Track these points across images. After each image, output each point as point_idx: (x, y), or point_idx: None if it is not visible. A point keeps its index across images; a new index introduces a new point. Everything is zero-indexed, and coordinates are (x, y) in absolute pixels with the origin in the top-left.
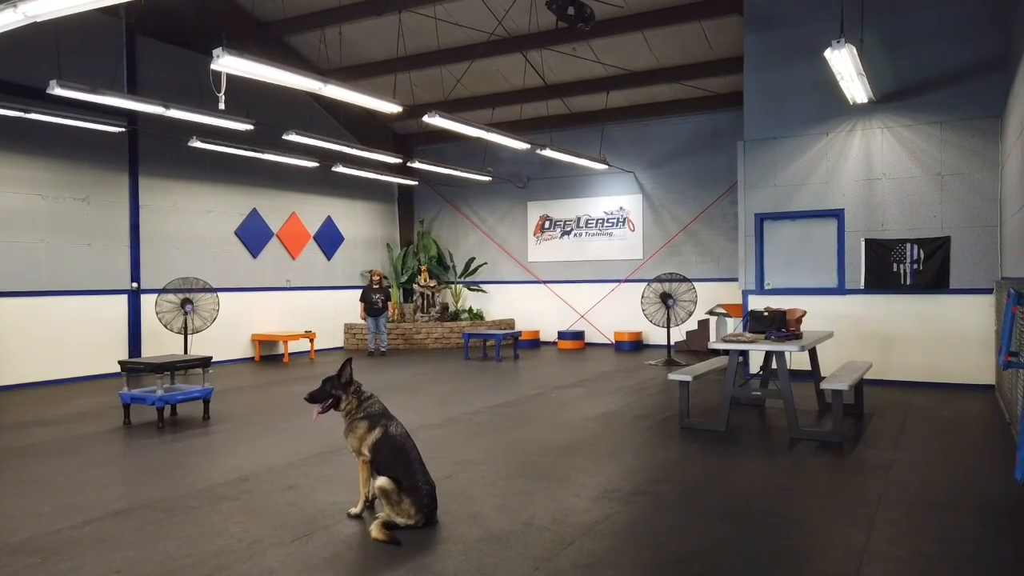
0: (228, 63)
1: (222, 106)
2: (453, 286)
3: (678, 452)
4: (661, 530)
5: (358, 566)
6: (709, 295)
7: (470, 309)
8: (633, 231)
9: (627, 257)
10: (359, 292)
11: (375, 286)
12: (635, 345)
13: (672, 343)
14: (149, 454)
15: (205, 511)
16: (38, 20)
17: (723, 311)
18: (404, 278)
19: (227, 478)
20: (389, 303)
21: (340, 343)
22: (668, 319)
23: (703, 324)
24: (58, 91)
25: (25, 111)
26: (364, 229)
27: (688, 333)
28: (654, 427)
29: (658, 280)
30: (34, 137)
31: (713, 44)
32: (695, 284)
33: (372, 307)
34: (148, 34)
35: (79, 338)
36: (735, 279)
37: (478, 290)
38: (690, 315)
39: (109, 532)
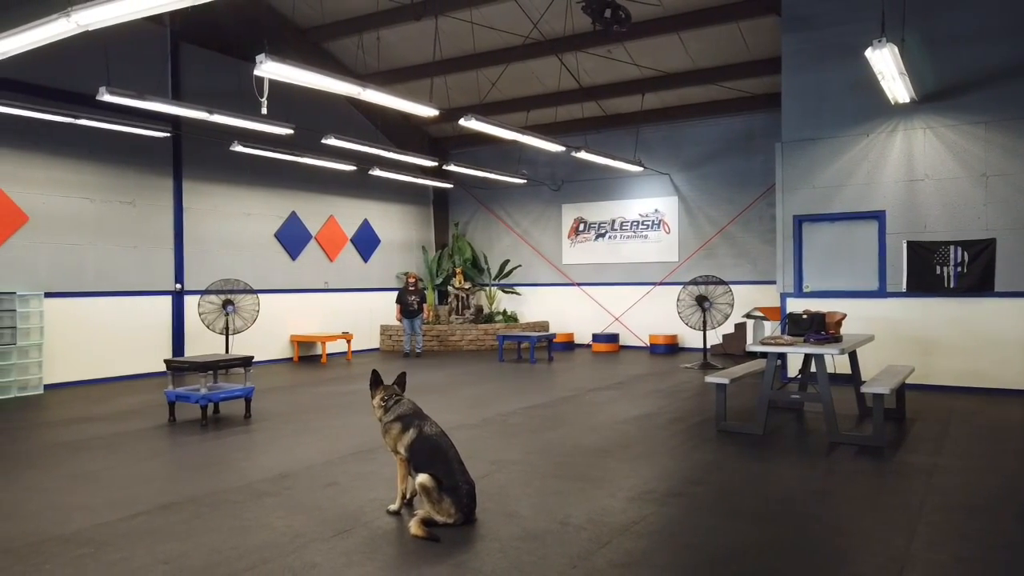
0: (271, 69)
1: (264, 111)
2: (487, 288)
3: (714, 455)
4: (697, 531)
5: (398, 561)
6: (745, 298)
7: (504, 311)
8: (668, 233)
9: (662, 259)
10: (395, 294)
11: (411, 288)
12: (670, 348)
13: (708, 346)
14: (193, 450)
15: (248, 506)
16: (89, 29)
17: (760, 314)
18: (439, 280)
19: (269, 474)
20: (424, 305)
21: (376, 344)
22: (704, 322)
23: (740, 327)
24: (107, 97)
25: (75, 117)
26: (400, 232)
27: (724, 336)
28: (689, 430)
29: (694, 283)
30: (83, 142)
31: (750, 44)
32: (731, 287)
33: (408, 309)
34: (191, 41)
35: (125, 338)
36: (772, 282)
37: (512, 292)
38: (726, 318)
39: (156, 525)
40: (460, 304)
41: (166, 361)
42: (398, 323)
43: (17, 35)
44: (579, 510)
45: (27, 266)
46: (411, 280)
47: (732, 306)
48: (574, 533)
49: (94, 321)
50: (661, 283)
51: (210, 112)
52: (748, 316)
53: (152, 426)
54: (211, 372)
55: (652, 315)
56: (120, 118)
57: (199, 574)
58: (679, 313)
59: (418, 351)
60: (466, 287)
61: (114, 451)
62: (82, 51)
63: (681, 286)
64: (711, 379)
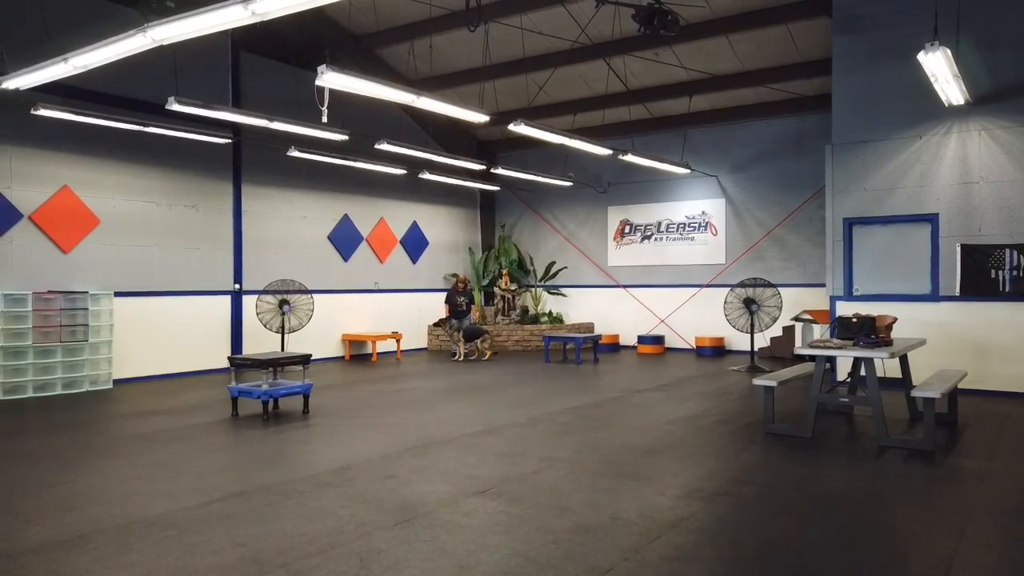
0: (332, 79)
1: (325, 119)
2: (533, 290)
3: (761, 456)
4: (745, 528)
5: (459, 550)
6: (794, 301)
7: (549, 313)
8: (715, 235)
9: (709, 262)
10: (443, 295)
11: (460, 289)
12: (717, 351)
13: (756, 349)
14: (258, 443)
15: (314, 495)
16: (163, 44)
17: (809, 317)
18: (485, 282)
19: (330, 467)
20: (472, 306)
21: (424, 344)
22: (752, 325)
23: (788, 330)
24: (176, 107)
25: (144, 125)
26: (447, 234)
27: (772, 339)
28: (736, 431)
29: (741, 285)
30: (150, 149)
31: (800, 46)
32: (780, 290)
33: (457, 309)
34: (251, 50)
35: (187, 335)
36: (821, 285)
37: (558, 294)
38: (775, 320)
39: (231, 511)
40: (506, 305)
41: (229, 358)
42: (445, 324)
43: (98, 49)
44: (629, 506)
45: (98, 266)
46: (460, 282)
47: (780, 309)
48: (625, 527)
49: (159, 319)
50: (708, 285)
51: (270, 119)
52: (796, 319)
53: (217, 420)
54: (272, 369)
55: (698, 317)
56: (185, 126)
57: (273, 557)
58: (726, 315)
59: (461, 353)
60: (512, 288)
61: (185, 443)
62: (149, 62)
63: (728, 288)
64: (759, 381)
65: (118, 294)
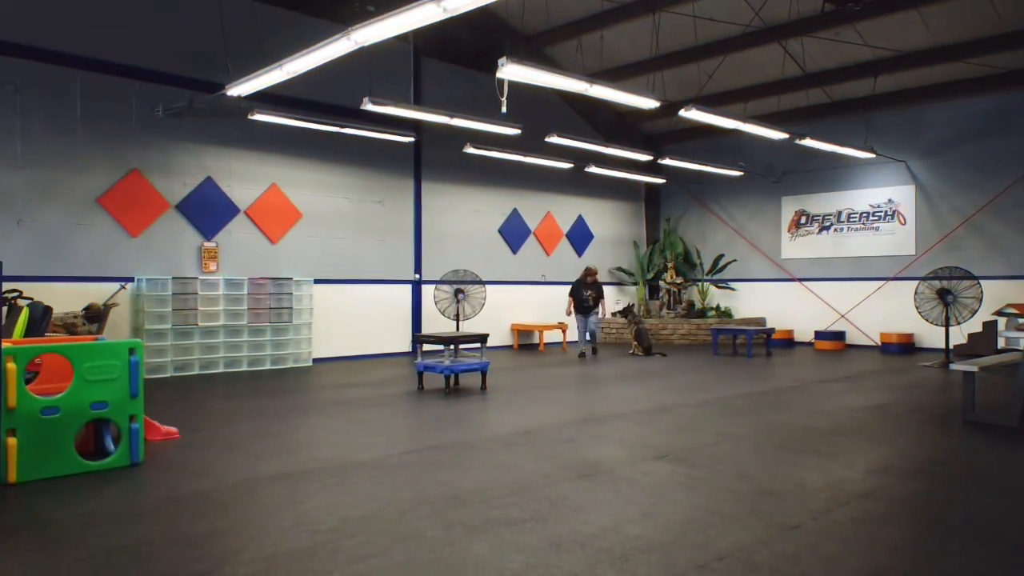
0: (511, 71)
1: (504, 110)
2: (700, 284)
3: (960, 441)
4: (940, 502)
5: (642, 500)
6: (994, 294)
7: (717, 307)
8: (903, 225)
9: (896, 253)
10: (610, 288)
11: (588, 281)
12: (905, 348)
13: (951, 346)
14: (443, 411)
15: (500, 451)
16: (364, 46)
17: (1014, 311)
18: (650, 275)
19: (512, 430)
20: (602, 302)
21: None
22: (946, 317)
23: (989, 326)
24: (369, 106)
25: (341, 127)
26: (612, 227)
27: (970, 335)
28: (930, 419)
29: (935, 276)
30: (344, 150)
31: (1002, 15)
32: (980, 281)
33: (582, 304)
34: (431, 55)
35: (374, 320)
36: None
37: (726, 288)
38: (973, 314)
39: (428, 459)
40: (671, 299)
41: (415, 336)
42: (567, 317)
43: (308, 55)
44: (814, 476)
45: (301, 256)
46: (589, 274)
47: (980, 301)
48: (811, 494)
49: (349, 305)
50: (894, 278)
51: (451, 116)
52: (999, 313)
53: (404, 392)
54: (453, 346)
55: (883, 312)
56: (374, 127)
57: (471, 495)
58: (917, 308)
59: (589, 351)
60: (678, 282)
61: (379, 408)
62: (342, 71)
63: (919, 280)
64: (958, 366)
65: (316, 281)
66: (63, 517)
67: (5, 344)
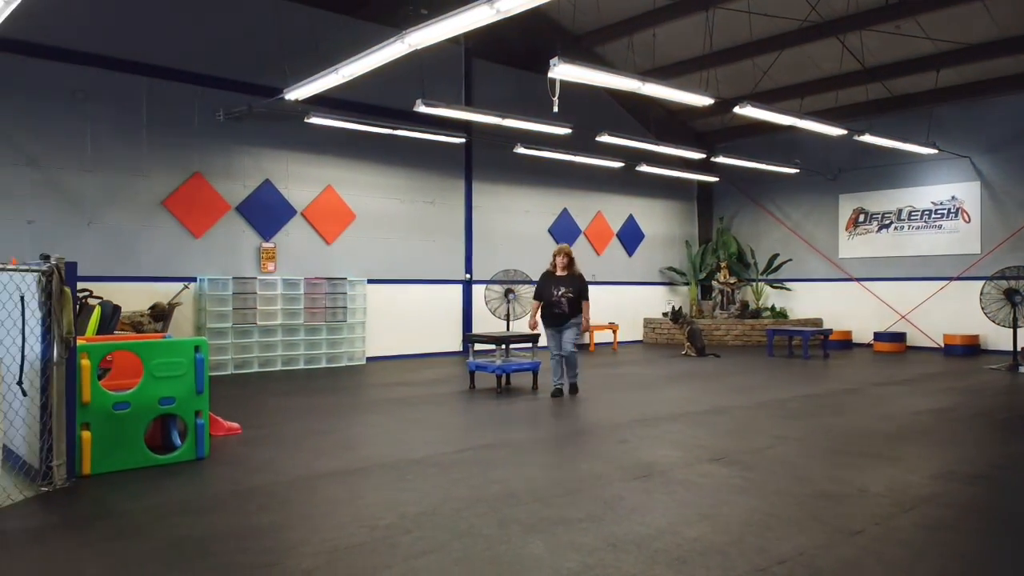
0: (563, 71)
1: (556, 109)
2: (754, 284)
3: None
4: (1011, 506)
5: (699, 502)
6: None
7: (772, 307)
8: (968, 223)
9: (960, 252)
10: (658, 288)
11: (559, 271)
12: (970, 350)
13: (1020, 348)
14: (495, 410)
15: (553, 451)
16: (418, 48)
17: None
18: (702, 275)
19: (565, 430)
20: (586, 304)
21: (639, 336)
22: (1014, 319)
23: None
24: (423, 108)
25: (395, 129)
26: (663, 227)
27: None
28: (997, 424)
29: (1003, 276)
30: (396, 151)
31: None
32: None
33: (550, 309)
34: (481, 56)
35: (425, 320)
36: None
37: (781, 288)
38: None
39: (482, 457)
40: (725, 299)
41: (466, 336)
42: (531, 330)
43: (363, 59)
44: (876, 481)
45: (355, 256)
46: (561, 254)
47: None
48: (873, 499)
49: (401, 305)
50: (959, 278)
51: (502, 116)
52: None
53: (456, 391)
54: (504, 346)
55: (947, 313)
56: (426, 128)
57: (526, 494)
58: (983, 308)
59: (567, 387)
60: (732, 282)
61: (432, 406)
62: (395, 74)
63: (984, 280)
64: None
65: (370, 281)
66: (133, 509)
67: (80, 342)
